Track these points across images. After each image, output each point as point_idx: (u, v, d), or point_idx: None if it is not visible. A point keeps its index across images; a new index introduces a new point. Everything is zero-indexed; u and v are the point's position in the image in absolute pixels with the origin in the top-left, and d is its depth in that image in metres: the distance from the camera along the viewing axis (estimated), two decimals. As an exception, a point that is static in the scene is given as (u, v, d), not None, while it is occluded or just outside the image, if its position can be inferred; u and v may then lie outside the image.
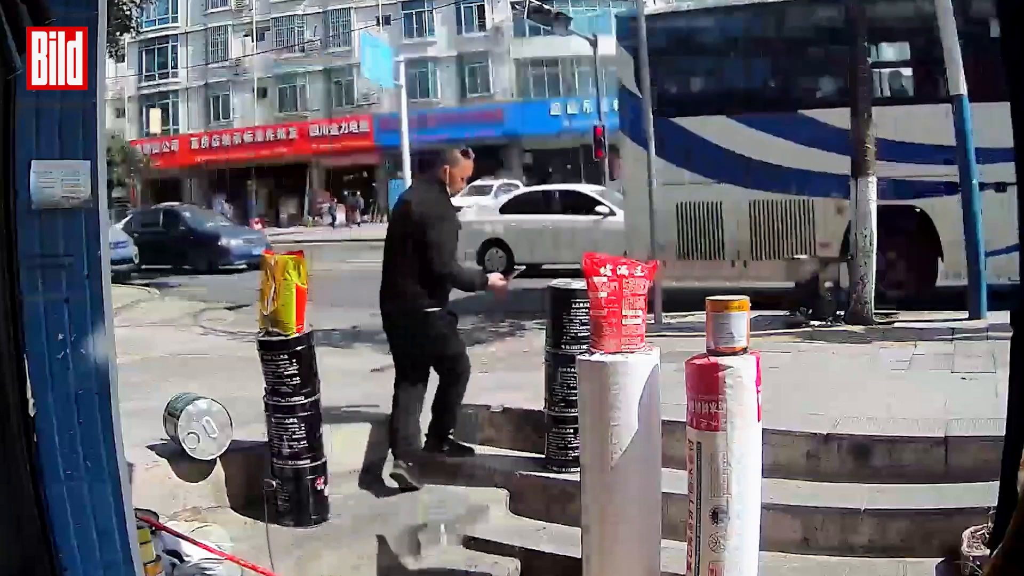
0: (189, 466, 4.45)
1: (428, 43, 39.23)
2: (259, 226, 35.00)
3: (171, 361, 7.76)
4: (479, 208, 16.45)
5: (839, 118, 8.26)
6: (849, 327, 7.60)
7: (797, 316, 7.85)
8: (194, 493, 4.46)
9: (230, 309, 11.69)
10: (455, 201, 5.08)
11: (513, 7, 28.03)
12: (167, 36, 41.97)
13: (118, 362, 2.62)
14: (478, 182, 25.37)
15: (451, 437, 5.11)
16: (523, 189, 20.39)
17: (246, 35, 41.78)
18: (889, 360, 6.28)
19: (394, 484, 4.84)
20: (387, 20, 39.07)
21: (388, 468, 4.95)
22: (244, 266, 18.74)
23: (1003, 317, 2.60)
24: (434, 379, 5.10)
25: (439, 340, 4.89)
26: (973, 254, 7.64)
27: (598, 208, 14.20)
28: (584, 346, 3.81)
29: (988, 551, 3.21)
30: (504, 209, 15.37)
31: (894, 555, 3.95)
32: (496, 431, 5.29)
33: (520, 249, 14.29)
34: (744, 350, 3.18)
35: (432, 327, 4.84)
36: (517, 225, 14.68)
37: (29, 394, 2.45)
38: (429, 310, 4.79)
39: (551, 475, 4.75)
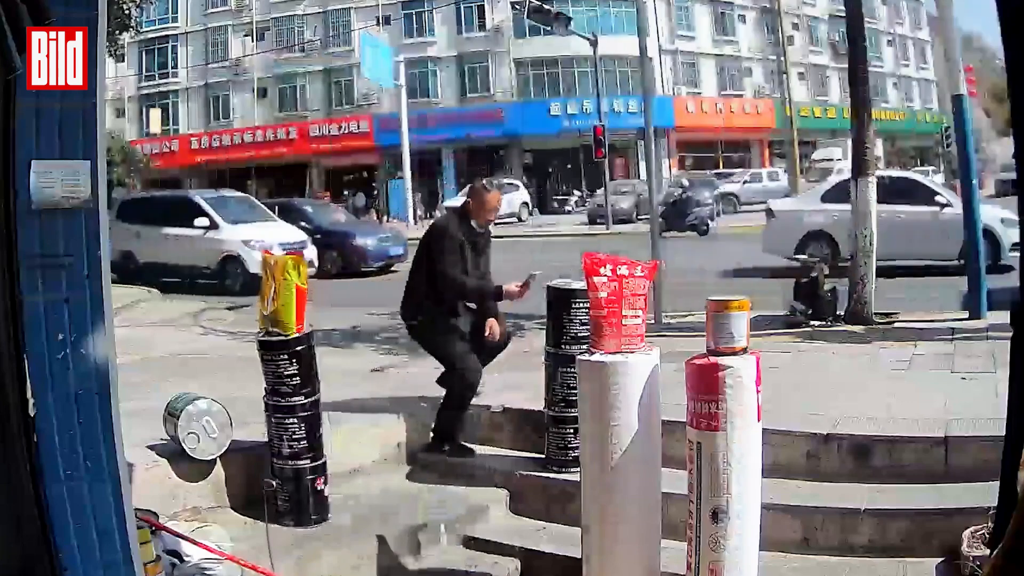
0: (189, 466, 4.45)
1: (428, 43, 39.25)
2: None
3: (171, 361, 7.76)
4: (798, 198, 14.57)
5: None
6: (849, 327, 7.61)
7: (797, 316, 7.85)
8: (194, 493, 4.46)
9: (230, 309, 11.68)
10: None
11: (513, 7, 28.04)
12: (167, 36, 41.98)
13: (118, 362, 2.62)
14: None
15: (452, 437, 5.12)
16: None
17: (246, 35, 41.78)
18: (889, 360, 6.28)
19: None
20: (387, 20, 39.10)
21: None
22: (376, 268, 16.78)
23: (1003, 317, 2.60)
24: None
25: (435, 340, 5.11)
26: (973, 254, 7.64)
27: (936, 198, 12.75)
28: (584, 346, 3.81)
29: (988, 551, 3.21)
30: (827, 197, 13.51)
31: (894, 555, 3.95)
32: (496, 431, 5.29)
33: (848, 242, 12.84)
34: (744, 350, 3.18)
35: (427, 328, 5.10)
36: (844, 215, 13.06)
37: (29, 394, 2.45)
38: (425, 312, 5.06)
39: (551, 475, 4.75)
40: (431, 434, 5.17)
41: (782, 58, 42.36)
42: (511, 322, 8.83)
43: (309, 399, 4.49)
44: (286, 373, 4.45)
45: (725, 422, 3.10)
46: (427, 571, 4.37)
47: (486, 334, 5.12)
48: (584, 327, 4.34)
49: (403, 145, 33.40)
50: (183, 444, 4.40)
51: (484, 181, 5.31)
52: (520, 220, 31.16)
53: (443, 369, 5.18)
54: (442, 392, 5.20)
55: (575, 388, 4.31)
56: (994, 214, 12.81)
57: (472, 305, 5.19)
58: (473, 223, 5.09)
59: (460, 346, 5.08)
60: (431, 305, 5.04)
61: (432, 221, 5.64)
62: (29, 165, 2.45)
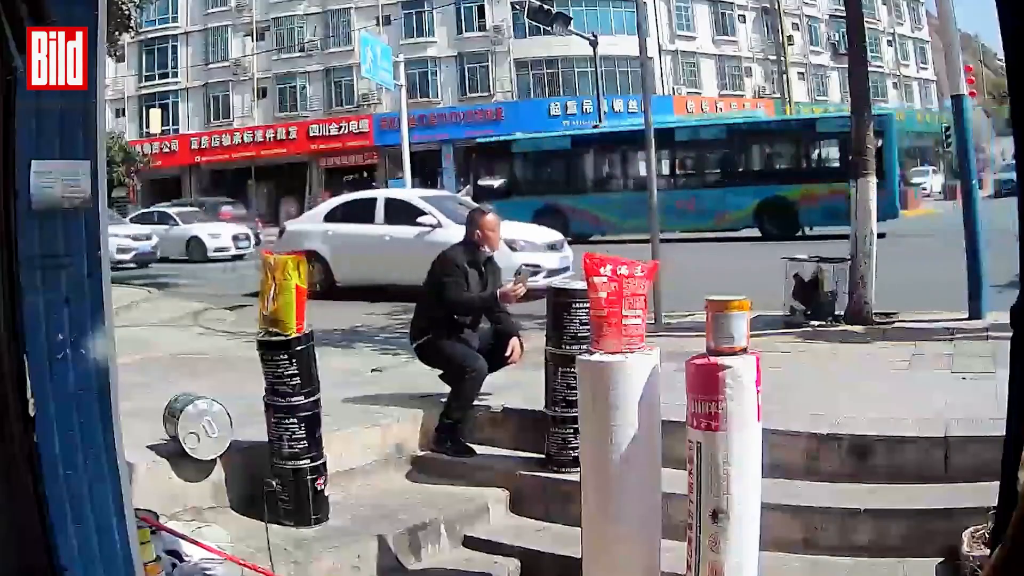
0: (189, 466, 4.44)
1: (428, 43, 39.23)
2: (259, 226, 35.04)
3: (171, 361, 7.75)
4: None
5: None
6: (849, 327, 7.60)
7: (797, 316, 7.85)
8: (194, 493, 4.45)
9: (230, 309, 11.66)
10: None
11: (513, 7, 28.07)
12: (167, 36, 41.98)
13: (118, 362, 2.62)
14: (479, 182, 25.43)
15: (455, 435, 5.14)
16: None
17: (246, 35, 41.77)
18: (889, 360, 6.27)
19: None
20: (387, 20, 39.10)
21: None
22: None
23: (1003, 317, 2.60)
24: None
25: (441, 350, 5.21)
26: (973, 254, 7.65)
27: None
28: (584, 346, 3.81)
29: (988, 551, 3.21)
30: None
31: (894, 555, 3.95)
32: (496, 431, 5.29)
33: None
34: (744, 350, 3.18)
35: (432, 344, 5.23)
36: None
37: (29, 394, 2.45)
38: (432, 331, 5.22)
39: (551, 475, 4.75)
40: (435, 431, 5.19)
41: (782, 58, 42.38)
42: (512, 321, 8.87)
43: (309, 399, 4.49)
44: (286, 373, 4.45)
45: (725, 422, 3.10)
46: (427, 571, 4.37)
47: (507, 354, 5.21)
48: (584, 327, 4.34)
49: (403, 145, 33.35)
50: (183, 444, 4.40)
51: (479, 206, 5.53)
52: (520, 219, 31.14)
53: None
54: (443, 391, 5.22)
55: (575, 388, 4.30)
56: None
57: (485, 324, 5.32)
58: (477, 250, 5.23)
59: (463, 347, 5.11)
60: (437, 326, 5.16)
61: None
62: (29, 165, 2.45)
